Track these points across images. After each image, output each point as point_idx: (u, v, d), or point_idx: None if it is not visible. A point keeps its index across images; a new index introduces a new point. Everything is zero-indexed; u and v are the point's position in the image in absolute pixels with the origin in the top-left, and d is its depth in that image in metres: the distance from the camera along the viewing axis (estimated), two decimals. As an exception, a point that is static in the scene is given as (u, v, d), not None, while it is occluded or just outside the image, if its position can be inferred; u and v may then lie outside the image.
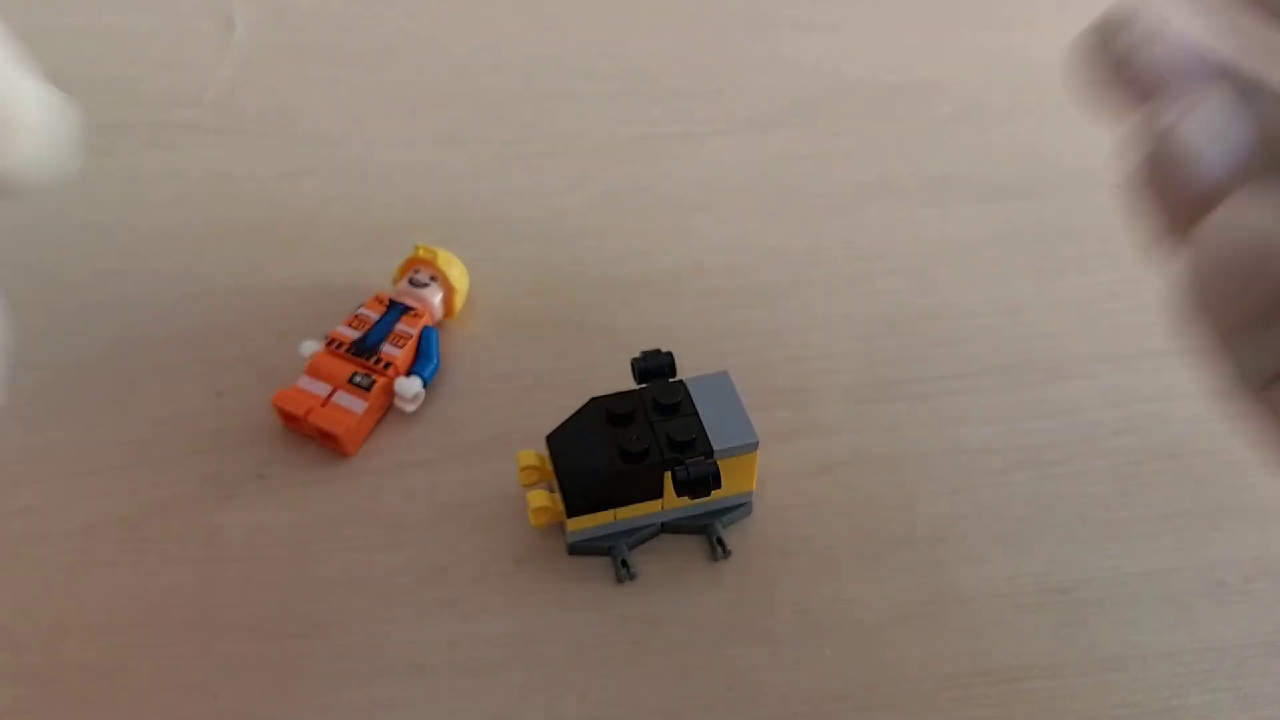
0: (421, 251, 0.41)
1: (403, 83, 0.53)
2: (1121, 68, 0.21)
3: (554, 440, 0.35)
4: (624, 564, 0.34)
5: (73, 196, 0.47)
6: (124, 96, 0.52)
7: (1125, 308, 0.43)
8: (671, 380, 0.35)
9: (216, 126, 0.50)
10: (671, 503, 0.35)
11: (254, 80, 0.53)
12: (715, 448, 0.33)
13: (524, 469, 0.35)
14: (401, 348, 0.39)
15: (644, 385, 0.35)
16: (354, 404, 0.37)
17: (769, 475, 0.37)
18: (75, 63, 0.54)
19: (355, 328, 0.39)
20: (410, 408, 0.38)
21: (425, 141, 0.50)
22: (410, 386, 0.38)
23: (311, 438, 0.38)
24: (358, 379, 0.38)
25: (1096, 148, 0.51)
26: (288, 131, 0.50)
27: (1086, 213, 0.47)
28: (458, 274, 0.41)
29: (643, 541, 0.35)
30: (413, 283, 0.40)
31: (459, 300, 0.41)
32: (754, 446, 0.34)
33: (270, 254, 0.44)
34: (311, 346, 0.39)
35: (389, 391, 0.38)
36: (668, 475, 0.34)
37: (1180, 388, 0.40)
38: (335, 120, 0.51)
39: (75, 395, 0.39)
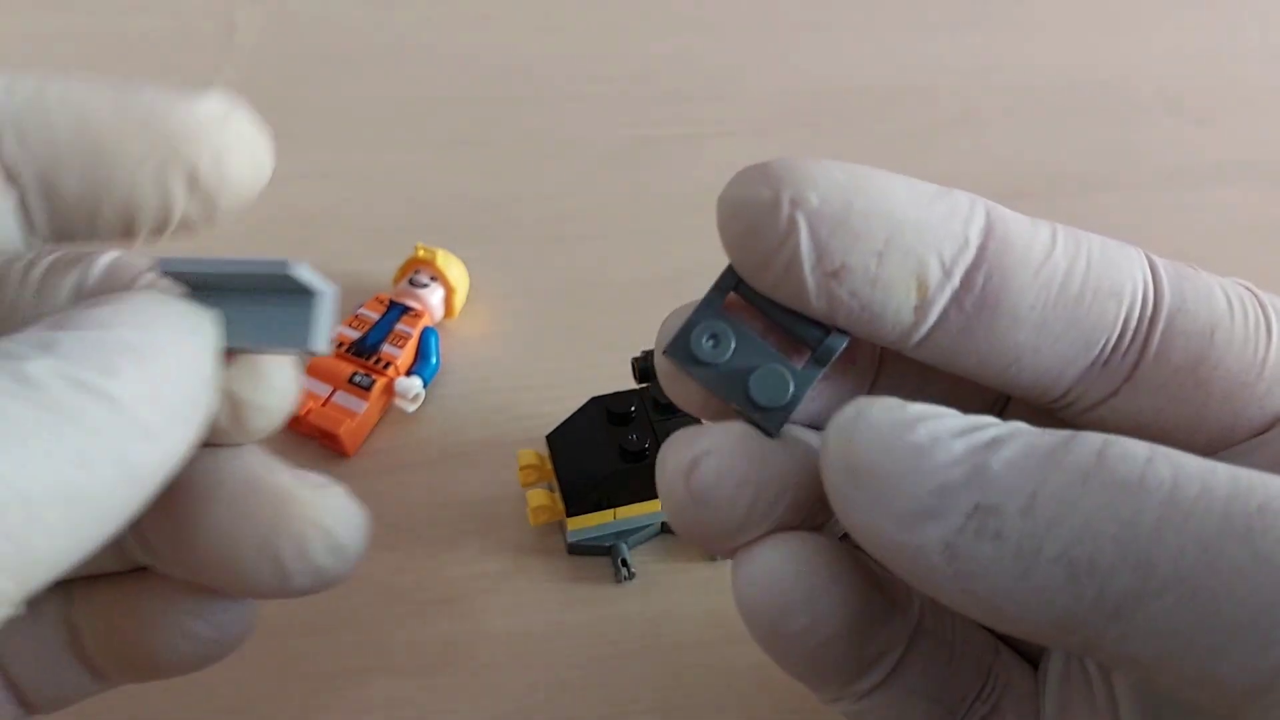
0: (421, 252, 0.41)
1: (403, 85, 0.53)
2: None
3: (554, 440, 0.35)
4: (624, 563, 0.34)
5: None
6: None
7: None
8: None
9: (217, 128, 0.50)
10: (672, 502, 0.34)
11: (255, 83, 0.53)
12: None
13: (524, 468, 0.35)
14: (401, 348, 0.39)
15: (644, 385, 0.35)
16: (354, 404, 0.37)
17: (769, 475, 0.37)
18: (76, 65, 0.54)
19: (355, 328, 0.39)
20: (410, 408, 0.38)
21: (426, 143, 0.50)
22: (410, 386, 0.38)
23: (311, 438, 0.38)
24: (358, 379, 0.38)
25: (1094, 151, 0.52)
26: (288, 133, 0.50)
27: (1084, 216, 0.47)
28: (458, 274, 0.41)
29: (643, 541, 0.35)
30: (413, 283, 0.40)
31: (459, 300, 0.41)
32: None
33: (270, 254, 0.44)
34: (312, 347, 0.39)
35: (389, 391, 0.38)
36: (668, 474, 0.34)
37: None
38: (335, 122, 0.51)
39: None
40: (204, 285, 0.20)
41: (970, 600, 0.19)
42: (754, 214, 0.21)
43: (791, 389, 0.22)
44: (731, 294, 0.22)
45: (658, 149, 0.50)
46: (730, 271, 0.22)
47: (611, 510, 0.34)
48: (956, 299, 0.21)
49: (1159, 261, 0.22)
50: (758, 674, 0.32)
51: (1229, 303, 0.22)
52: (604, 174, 0.49)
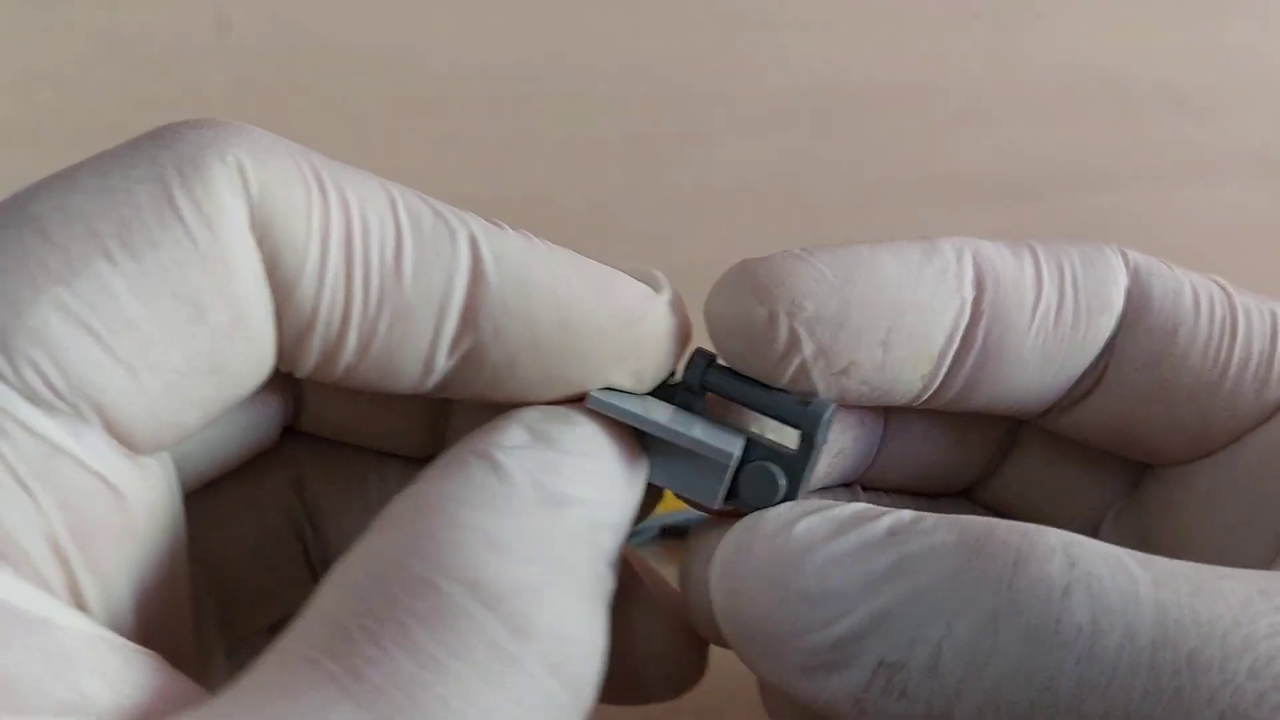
0: (419, 252, 0.40)
1: (398, 83, 0.53)
2: None
3: (552, 441, 0.35)
4: (623, 567, 0.34)
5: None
6: (121, 97, 0.52)
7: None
8: (672, 382, 0.35)
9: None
10: (671, 505, 0.34)
11: (250, 81, 0.53)
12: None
13: (522, 471, 0.35)
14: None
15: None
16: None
17: (770, 477, 0.36)
18: (71, 63, 0.53)
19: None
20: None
21: (421, 142, 0.50)
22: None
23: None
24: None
25: (1100, 148, 0.51)
26: (284, 133, 0.50)
27: (1091, 213, 0.47)
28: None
29: (642, 544, 0.35)
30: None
31: (457, 301, 0.41)
32: None
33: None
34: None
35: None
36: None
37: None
38: (330, 121, 0.51)
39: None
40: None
41: None
42: (751, 332, 0.20)
43: (782, 484, 0.20)
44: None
45: (657, 148, 0.50)
46: (690, 374, 0.21)
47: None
48: (959, 358, 0.21)
49: (1133, 258, 0.22)
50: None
51: (1196, 300, 0.21)
52: (603, 173, 0.48)
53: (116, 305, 0.16)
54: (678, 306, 0.21)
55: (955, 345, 0.21)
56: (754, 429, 0.22)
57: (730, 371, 0.21)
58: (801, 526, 0.18)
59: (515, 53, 0.55)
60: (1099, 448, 0.23)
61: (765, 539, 0.18)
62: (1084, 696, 0.16)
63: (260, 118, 0.54)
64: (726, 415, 0.22)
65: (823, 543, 0.18)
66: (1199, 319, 0.21)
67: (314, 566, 0.24)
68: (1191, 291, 0.22)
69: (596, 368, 0.19)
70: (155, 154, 0.17)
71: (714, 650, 0.33)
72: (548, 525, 0.16)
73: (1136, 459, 0.23)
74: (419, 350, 0.18)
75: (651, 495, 0.21)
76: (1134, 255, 0.22)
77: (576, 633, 0.16)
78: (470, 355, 0.19)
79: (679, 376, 0.22)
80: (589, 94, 0.53)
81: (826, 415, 0.20)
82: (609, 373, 0.20)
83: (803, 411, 0.20)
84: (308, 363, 0.18)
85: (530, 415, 0.18)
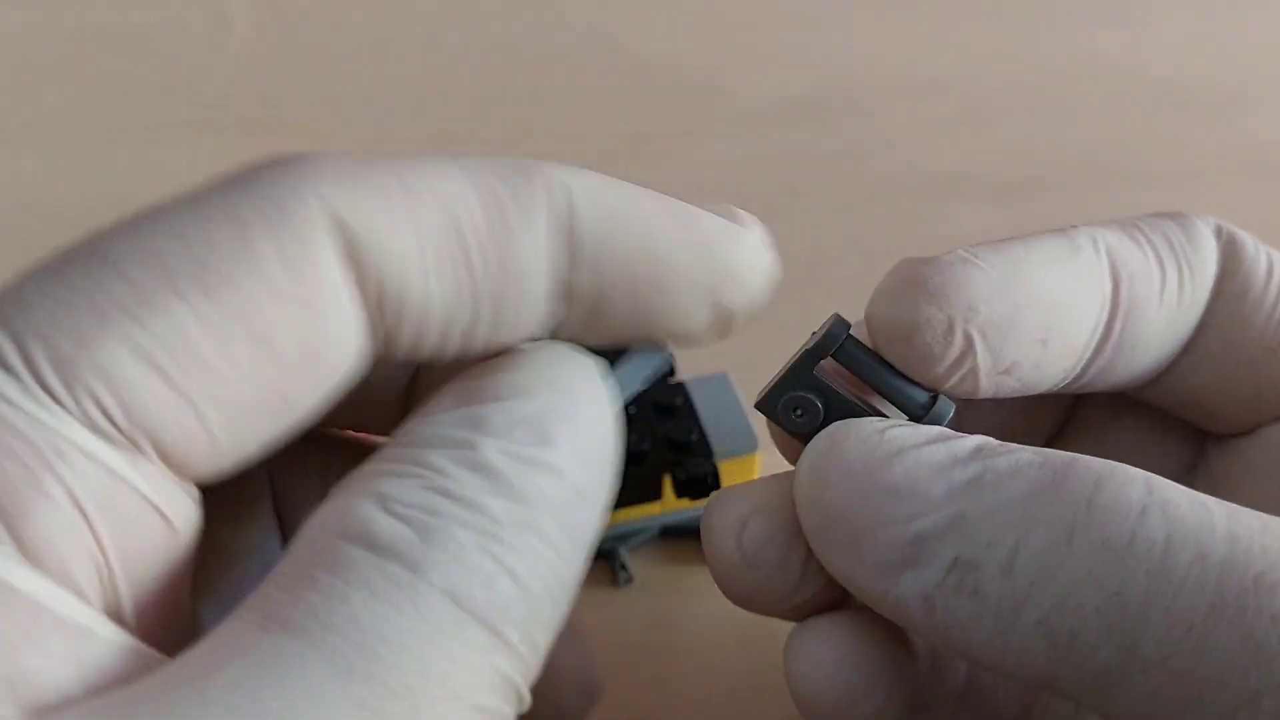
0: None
1: (398, 78, 0.53)
2: None
3: (552, 441, 0.35)
4: (623, 567, 0.34)
5: (69, 198, 0.47)
6: (121, 94, 0.52)
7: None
8: (671, 382, 0.35)
9: (215, 125, 0.50)
10: (671, 505, 0.34)
11: (253, 78, 0.53)
12: (715, 449, 0.33)
13: (521, 470, 0.35)
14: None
15: (643, 385, 0.35)
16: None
17: (770, 477, 0.36)
18: (71, 60, 0.53)
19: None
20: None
21: (422, 140, 0.50)
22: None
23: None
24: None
25: (1104, 143, 0.51)
26: (286, 130, 0.50)
27: (1096, 209, 0.47)
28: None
29: (641, 544, 0.35)
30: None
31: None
32: (753, 448, 0.34)
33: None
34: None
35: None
36: (667, 477, 0.33)
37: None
38: (329, 116, 0.51)
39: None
40: None
41: (948, 648, 0.18)
42: (925, 338, 0.20)
43: None
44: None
45: (657, 146, 0.49)
46: (828, 339, 0.21)
47: (610, 512, 0.34)
48: (1099, 350, 0.21)
49: (1216, 224, 0.23)
50: (758, 679, 0.32)
51: (1269, 269, 0.22)
52: (603, 172, 0.48)
53: (188, 344, 0.16)
54: (765, 241, 0.20)
55: (1097, 338, 0.21)
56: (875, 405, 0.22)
57: (863, 347, 0.21)
58: (893, 433, 0.19)
59: (515, 50, 0.55)
60: (1163, 412, 0.24)
61: (858, 438, 0.19)
62: (1150, 606, 0.16)
63: (260, 112, 0.54)
64: (843, 386, 0.22)
65: (913, 448, 0.18)
66: (1269, 286, 0.22)
67: None
68: (1267, 260, 0.22)
69: (679, 301, 0.19)
70: (233, 195, 0.17)
71: (724, 677, 0.33)
72: (444, 480, 0.16)
73: (1194, 423, 0.24)
74: (536, 296, 0.18)
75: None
76: (1216, 222, 0.23)
77: (476, 562, 0.16)
78: (570, 301, 0.19)
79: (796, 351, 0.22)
80: (589, 92, 0.53)
81: (950, 413, 0.20)
82: (692, 308, 0.19)
83: (928, 410, 0.21)
84: (450, 346, 0.18)
85: (461, 379, 0.18)
